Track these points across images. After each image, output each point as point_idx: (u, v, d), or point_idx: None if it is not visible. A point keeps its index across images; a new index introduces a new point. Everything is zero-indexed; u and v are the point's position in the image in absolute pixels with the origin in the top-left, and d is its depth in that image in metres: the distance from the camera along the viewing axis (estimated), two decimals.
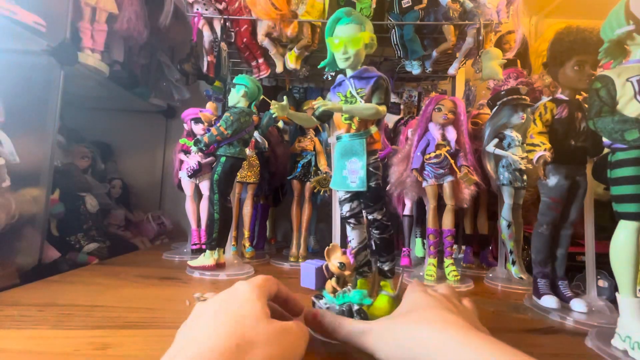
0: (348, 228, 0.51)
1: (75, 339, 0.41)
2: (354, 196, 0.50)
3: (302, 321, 0.42)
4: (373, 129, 0.49)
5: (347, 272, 0.46)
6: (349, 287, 0.46)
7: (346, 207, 0.50)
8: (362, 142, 0.48)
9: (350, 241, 0.51)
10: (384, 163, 0.88)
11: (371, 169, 0.48)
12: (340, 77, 0.52)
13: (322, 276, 0.47)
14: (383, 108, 0.48)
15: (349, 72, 0.51)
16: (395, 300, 0.46)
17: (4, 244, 0.68)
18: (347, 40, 0.48)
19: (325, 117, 0.54)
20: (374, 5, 0.95)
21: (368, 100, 0.48)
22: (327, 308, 0.46)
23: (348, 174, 0.49)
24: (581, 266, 0.64)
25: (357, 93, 0.49)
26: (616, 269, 0.45)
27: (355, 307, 0.44)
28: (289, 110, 0.51)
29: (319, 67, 0.56)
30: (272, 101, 0.49)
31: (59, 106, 0.80)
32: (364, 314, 0.44)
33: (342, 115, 0.50)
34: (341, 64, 0.50)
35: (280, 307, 0.42)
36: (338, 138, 0.51)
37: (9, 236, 0.68)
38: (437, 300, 0.38)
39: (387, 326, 0.37)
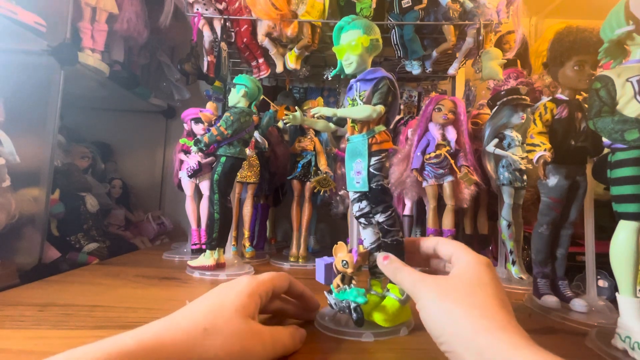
0: (360, 228, 0.52)
1: (75, 339, 0.41)
2: (362, 196, 0.50)
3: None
4: (378, 129, 0.49)
5: (349, 270, 0.46)
6: (354, 283, 0.47)
7: (356, 207, 0.51)
8: (364, 143, 0.49)
9: (363, 240, 0.51)
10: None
11: (372, 170, 0.48)
12: (352, 81, 0.53)
13: (332, 272, 0.49)
14: (380, 108, 0.48)
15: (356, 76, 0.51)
16: (402, 304, 0.46)
17: (4, 244, 0.68)
18: (347, 47, 0.50)
19: (343, 122, 0.55)
20: (374, 6, 0.95)
21: (368, 101, 0.49)
22: (335, 303, 0.47)
23: (354, 174, 0.50)
24: (581, 266, 0.63)
25: (359, 96, 0.50)
26: (616, 269, 0.45)
27: (353, 305, 0.45)
28: (305, 118, 0.54)
29: (330, 77, 0.57)
30: (285, 112, 0.50)
31: (59, 106, 0.80)
32: (360, 312, 0.44)
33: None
34: (346, 70, 0.51)
35: (296, 300, 0.47)
36: (348, 140, 0.52)
37: (9, 236, 0.68)
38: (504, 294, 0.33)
39: (443, 305, 0.33)
